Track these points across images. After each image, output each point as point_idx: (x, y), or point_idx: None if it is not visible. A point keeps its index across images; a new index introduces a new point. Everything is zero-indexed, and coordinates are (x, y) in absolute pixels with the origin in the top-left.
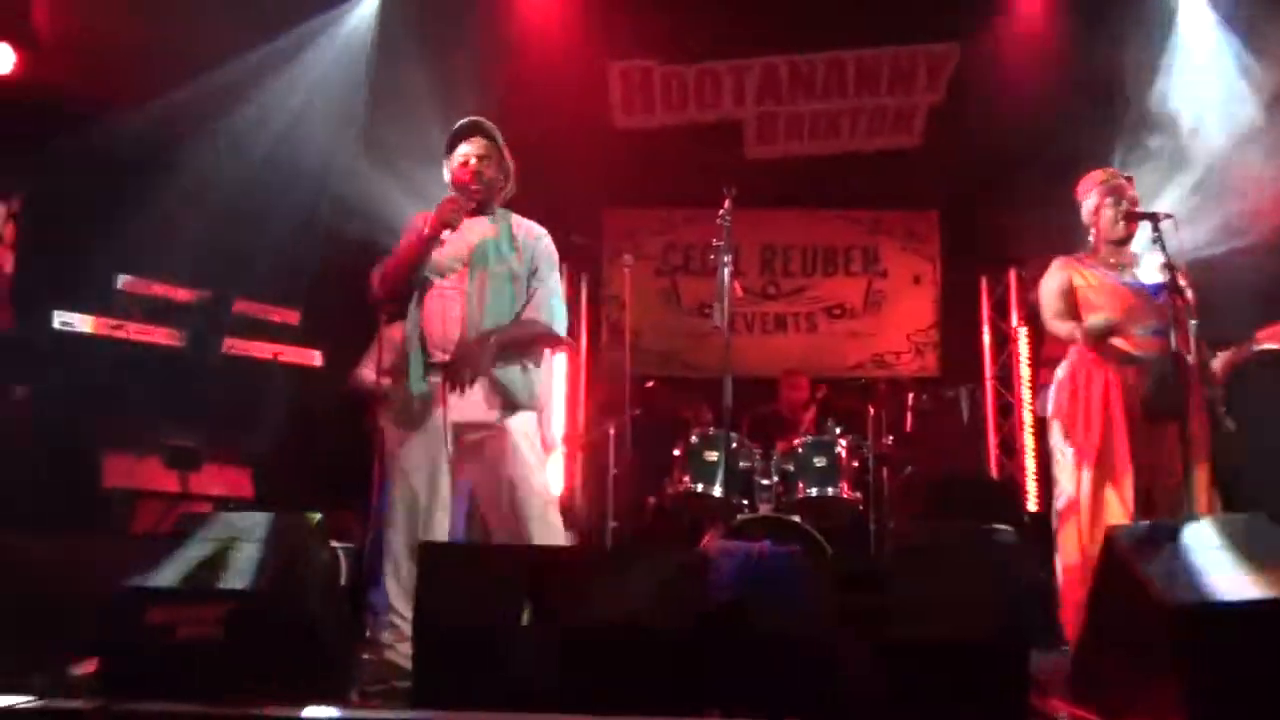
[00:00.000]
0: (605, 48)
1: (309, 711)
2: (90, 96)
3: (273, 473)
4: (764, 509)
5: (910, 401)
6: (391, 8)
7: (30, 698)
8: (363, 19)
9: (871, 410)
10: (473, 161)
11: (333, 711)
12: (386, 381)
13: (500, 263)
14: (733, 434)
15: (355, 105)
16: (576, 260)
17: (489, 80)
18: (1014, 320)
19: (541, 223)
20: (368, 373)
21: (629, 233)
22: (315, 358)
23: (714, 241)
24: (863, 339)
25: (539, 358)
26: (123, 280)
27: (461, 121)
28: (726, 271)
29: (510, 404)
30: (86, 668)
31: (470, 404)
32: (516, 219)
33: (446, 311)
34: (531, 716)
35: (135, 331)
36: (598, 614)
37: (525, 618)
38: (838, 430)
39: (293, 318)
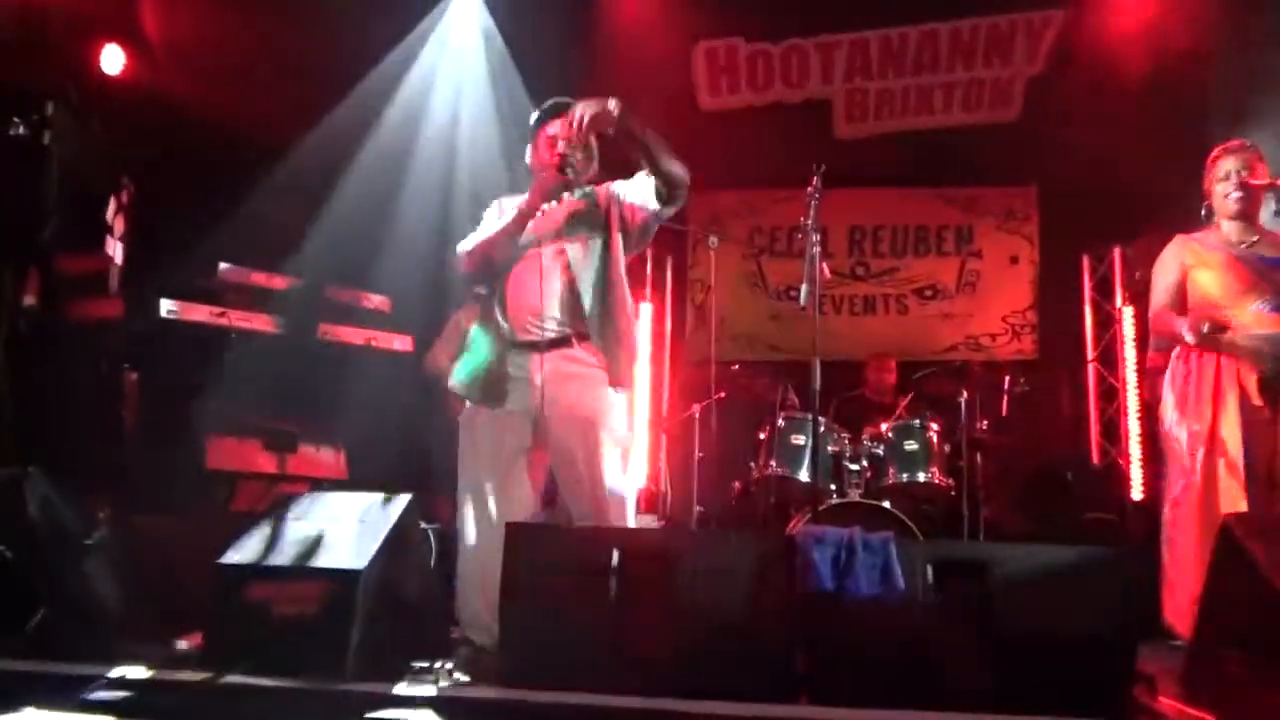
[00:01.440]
0: (689, 27)
1: (401, 688)
2: (194, 94)
3: (365, 455)
4: (853, 494)
5: (1006, 385)
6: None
7: (141, 669)
8: (458, 14)
9: (965, 394)
10: (560, 143)
11: (424, 689)
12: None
13: (593, 233)
14: (820, 418)
15: (453, 98)
16: (661, 243)
17: (572, 63)
18: (1118, 300)
19: None
20: (441, 356)
21: (714, 215)
22: (406, 343)
23: (801, 221)
24: (955, 321)
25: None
26: (224, 269)
27: (549, 102)
28: (815, 252)
29: (598, 385)
30: (192, 641)
31: (558, 383)
32: (598, 190)
33: (544, 285)
34: (617, 698)
35: (236, 319)
36: (684, 598)
37: (611, 600)
38: (929, 414)
39: (384, 304)
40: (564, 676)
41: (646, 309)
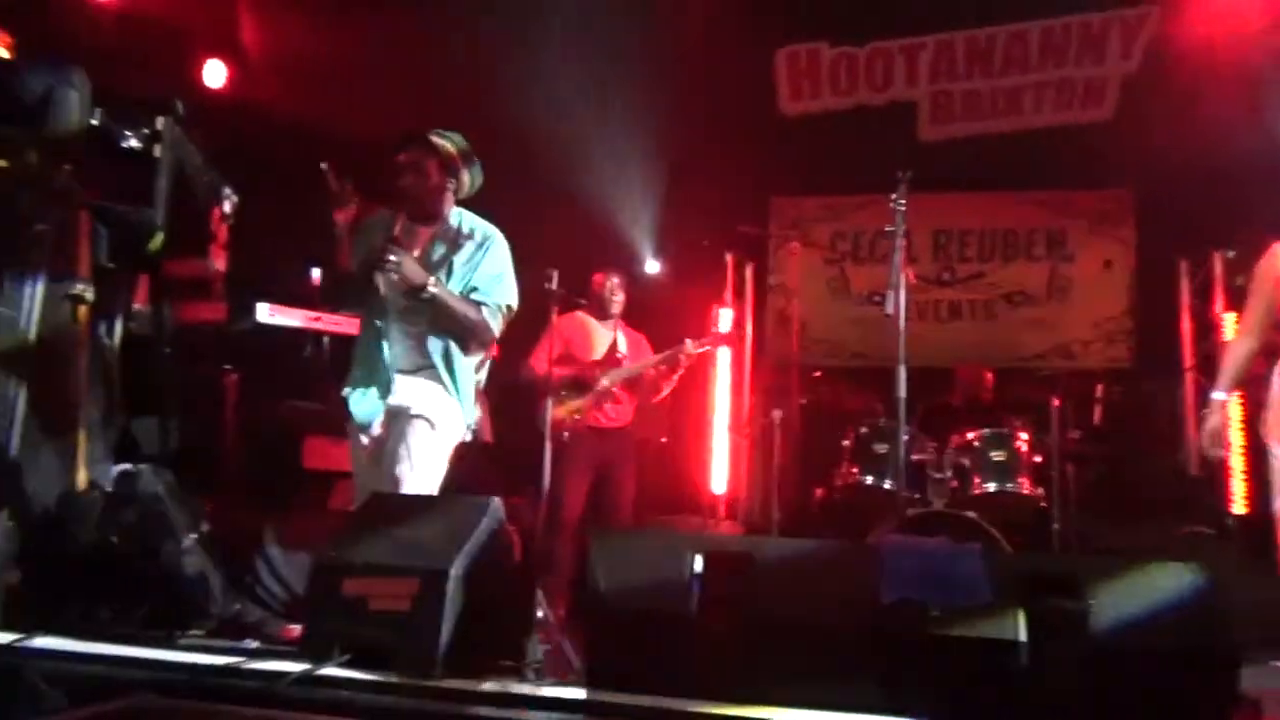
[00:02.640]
0: (770, 33)
1: (488, 686)
2: (289, 106)
3: (457, 456)
4: (938, 504)
5: (1099, 393)
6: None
7: (242, 658)
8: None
9: (1055, 402)
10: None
11: (509, 687)
12: (561, 371)
13: None
14: (904, 425)
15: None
16: (742, 249)
17: (653, 73)
18: (1218, 306)
19: (708, 212)
20: (538, 363)
21: (796, 220)
22: (493, 349)
23: (886, 228)
24: (1045, 328)
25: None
26: (318, 275)
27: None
28: (899, 257)
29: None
30: (291, 632)
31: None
32: None
33: None
34: (699, 705)
35: (330, 323)
36: (767, 606)
37: (694, 606)
38: (1017, 423)
39: None
40: (646, 680)
41: (727, 314)
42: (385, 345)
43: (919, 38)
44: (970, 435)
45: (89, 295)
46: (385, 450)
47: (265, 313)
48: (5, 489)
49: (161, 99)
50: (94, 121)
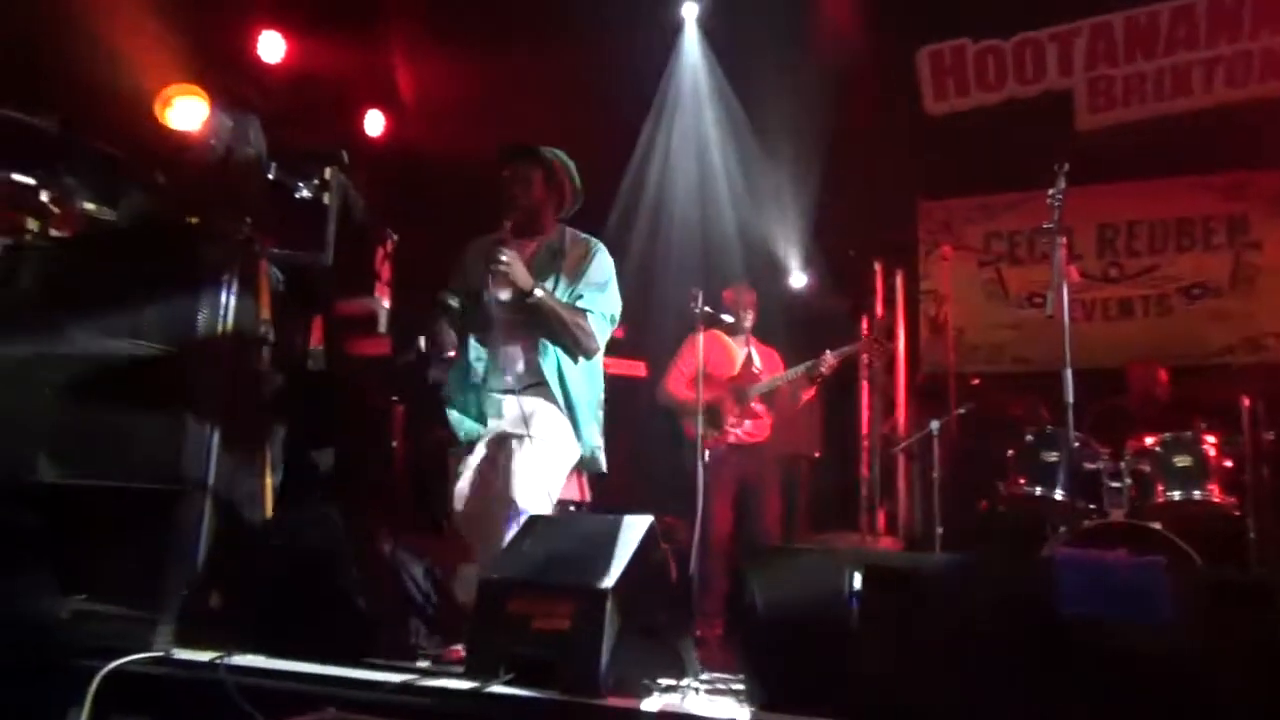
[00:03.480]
0: (909, 33)
1: (648, 704)
2: (443, 150)
3: (605, 477)
4: (1115, 514)
5: None
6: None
7: (415, 675)
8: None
9: (1245, 401)
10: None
11: (672, 706)
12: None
13: None
14: (1075, 431)
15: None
16: (891, 256)
17: (792, 85)
18: None
19: (853, 220)
20: (674, 384)
21: (946, 223)
22: (639, 368)
23: (1045, 224)
24: (1231, 321)
25: None
26: None
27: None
28: (1060, 255)
29: None
30: (456, 653)
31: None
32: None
33: None
34: None
35: None
36: (933, 623)
37: (854, 622)
38: (1202, 425)
39: (619, 331)
40: (807, 700)
41: (876, 323)
42: (488, 362)
43: (1071, 24)
44: (1149, 440)
45: (270, 337)
46: (495, 469)
47: (425, 344)
48: (204, 520)
49: (328, 150)
50: (270, 175)
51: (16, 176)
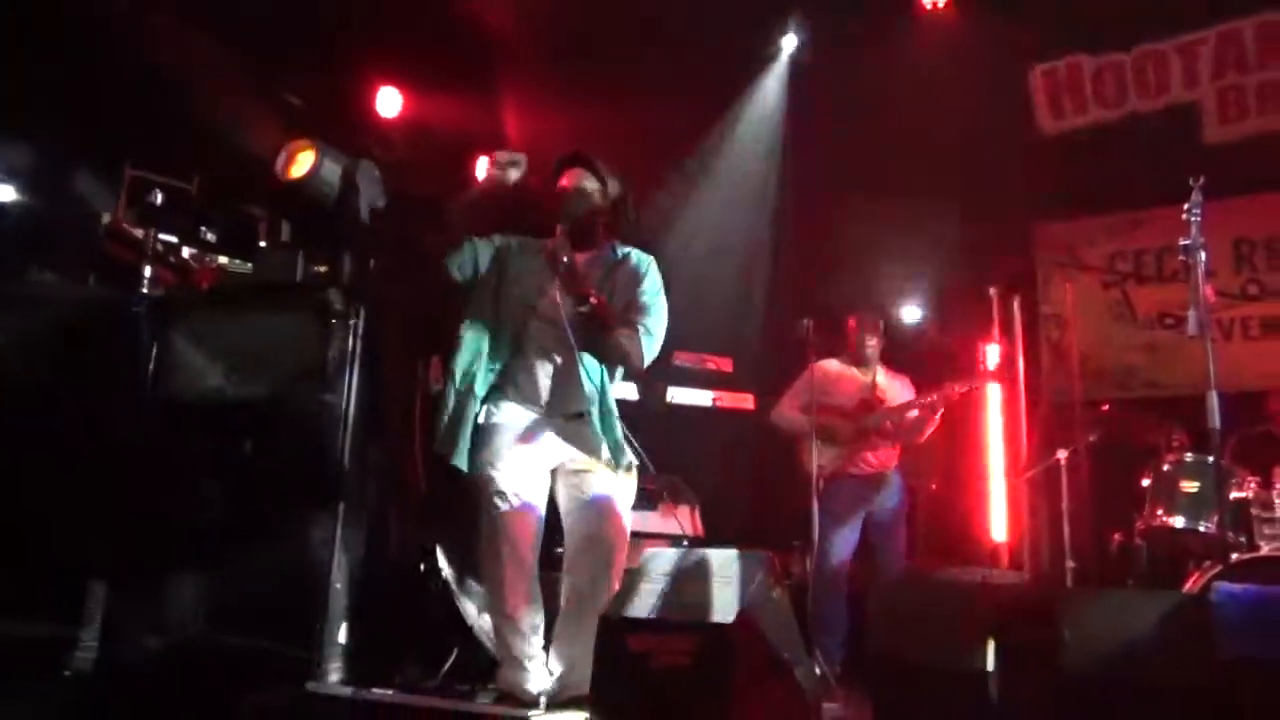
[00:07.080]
0: (1021, 50)
1: None
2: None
3: (717, 510)
4: (1266, 548)
5: None
6: (797, 71)
7: (536, 711)
8: (773, 88)
9: None
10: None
11: None
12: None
13: None
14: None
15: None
16: (1007, 282)
17: (899, 110)
18: None
19: (968, 247)
20: (788, 412)
21: (1066, 245)
22: (748, 400)
23: (1181, 240)
24: None
25: None
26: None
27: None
28: (1199, 272)
29: None
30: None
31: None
32: None
33: None
34: None
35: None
36: (1077, 662)
37: (989, 661)
38: None
39: (726, 365)
40: None
41: (994, 351)
42: (516, 376)
43: (1196, 33)
44: None
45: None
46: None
47: None
48: (344, 558)
49: (442, 198)
50: (388, 222)
51: (163, 236)
